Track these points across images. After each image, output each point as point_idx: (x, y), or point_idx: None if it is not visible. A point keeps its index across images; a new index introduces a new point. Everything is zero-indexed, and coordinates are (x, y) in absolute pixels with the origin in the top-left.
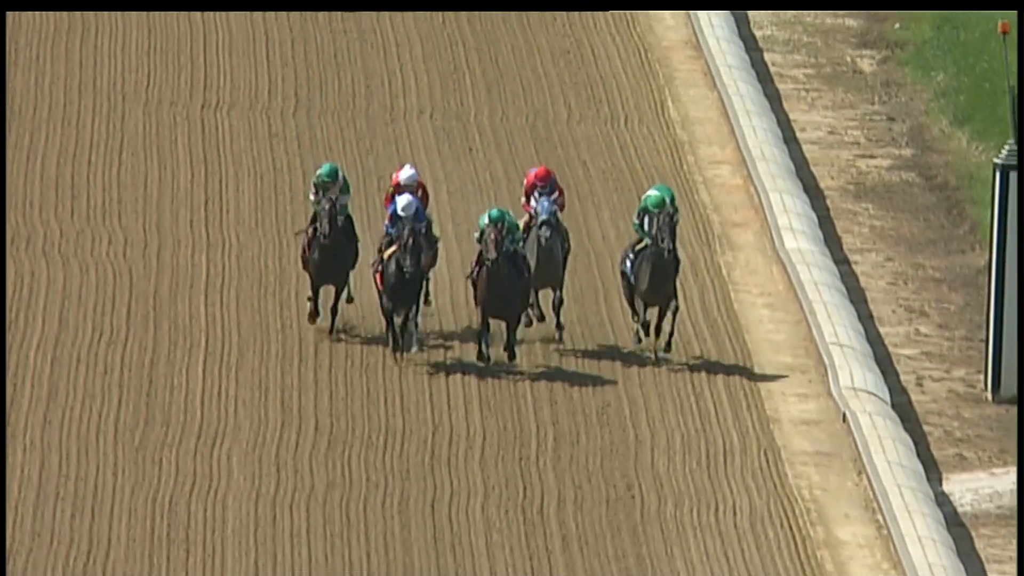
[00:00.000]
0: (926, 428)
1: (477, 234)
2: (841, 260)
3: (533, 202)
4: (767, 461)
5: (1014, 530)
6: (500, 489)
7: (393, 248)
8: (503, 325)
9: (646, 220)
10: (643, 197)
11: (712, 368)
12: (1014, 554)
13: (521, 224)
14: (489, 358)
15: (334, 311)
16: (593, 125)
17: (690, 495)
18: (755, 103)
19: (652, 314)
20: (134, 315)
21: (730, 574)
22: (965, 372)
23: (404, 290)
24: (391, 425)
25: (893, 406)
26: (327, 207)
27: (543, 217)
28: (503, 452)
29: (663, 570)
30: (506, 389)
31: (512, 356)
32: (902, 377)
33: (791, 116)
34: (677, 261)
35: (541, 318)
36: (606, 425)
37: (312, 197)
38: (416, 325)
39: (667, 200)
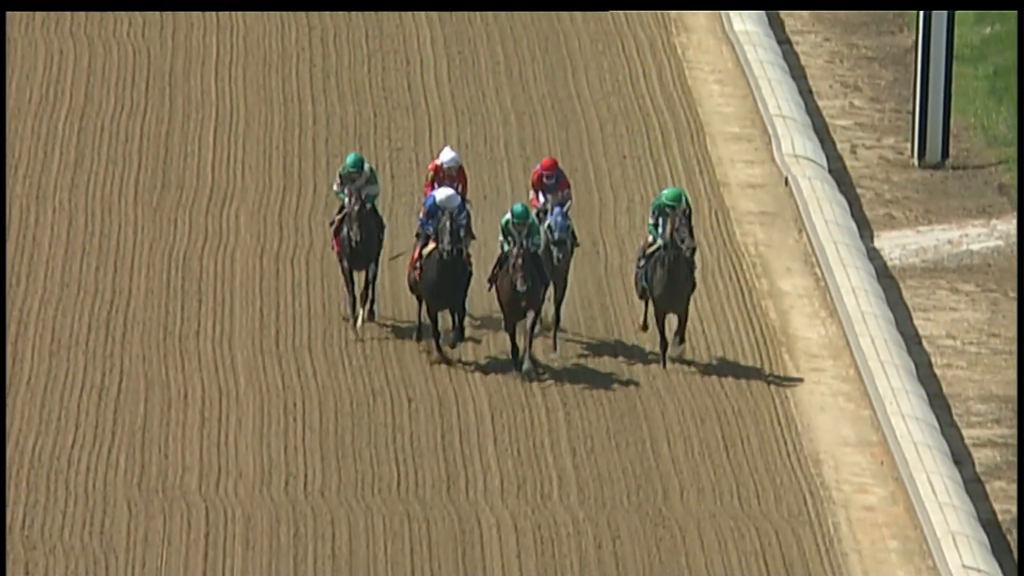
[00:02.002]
0: (859, 191)
1: (500, 234)
2: (783, 40)
3: (542, 198)
4: (717, 221)
5: (937, 282)
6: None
7: (432, 246)
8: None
9: (660, 220)
10: (657, 196)
11: (667, 137)
12: (939, 303)
13: None
14: (522, 363)
15: (364, 297)
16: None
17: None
18: None
19: (669, 321)
20: (152, 90)
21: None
22: (894, 140)
23: (444, 291)
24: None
25: (830, 171)
26: (357, 209)
27: (558, 235)
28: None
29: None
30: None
31: (530, 358)
32: (838, 145)
33: None
34: (692, 266)
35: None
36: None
37: (336, 188)
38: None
39: (683, 196)
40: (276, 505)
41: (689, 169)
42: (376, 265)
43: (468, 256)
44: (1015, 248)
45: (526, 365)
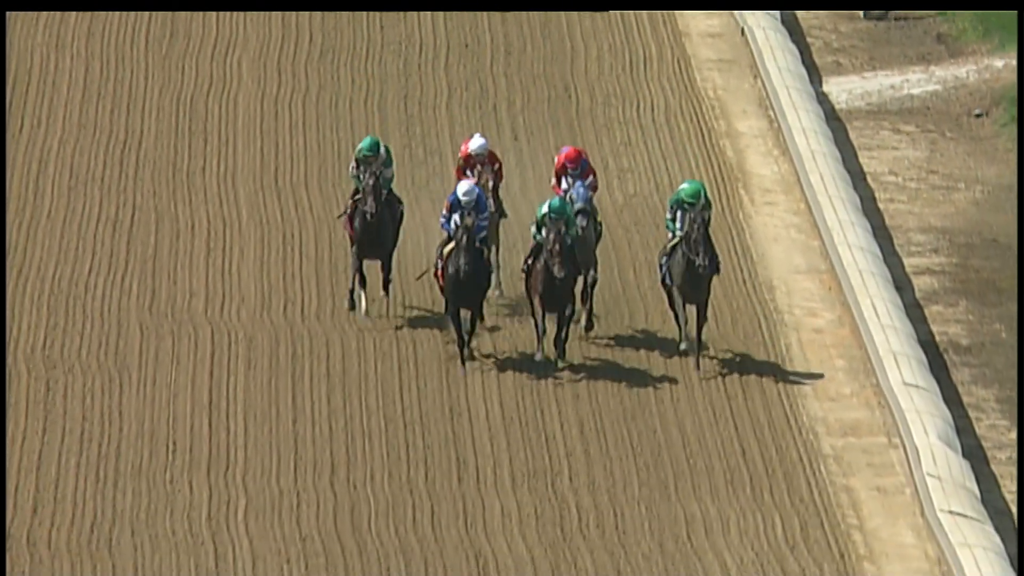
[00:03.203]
0: (809, 40)
1: (533, 227)
2: None
3: (565, 185)
4: (679, 67)
5: (880, 123)
6: None
7: (451, 246)
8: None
9: (679, 215)
10: (676, 190)
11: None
12: (882, 143)
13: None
14: (548, 357)
15: (386, 285)
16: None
17: (616, 95)
18: None
19: (690, 311)
20: None
21: (649, 157)
22: None
23: (466, 291)
24: (372, 44)
25: (783, 22)
26: (371, 183)
27: (579, 205)
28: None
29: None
30: None
31: (563, 347)
32: None
33: None
34: (716, 266)
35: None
36: (548, 38)
37: (352, 171)
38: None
39: (701, 193)
40: (275, 328)
41: (654, 21)
42: (392, 253)
43: (488, 257)
44: (952, 92)
45: (538, 356)
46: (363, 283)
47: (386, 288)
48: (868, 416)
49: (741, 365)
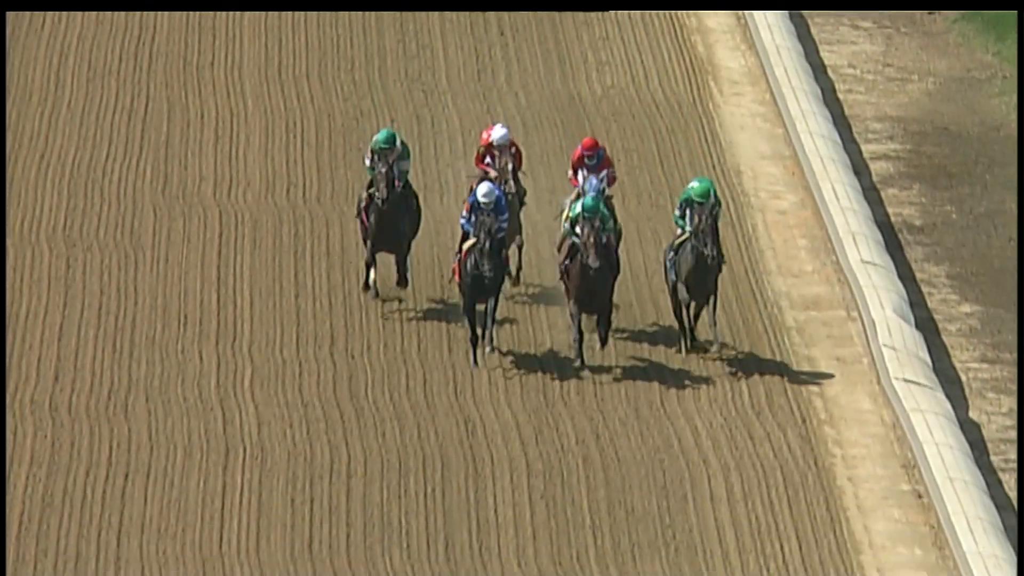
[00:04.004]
0: None
1: (566, 223)
2: None
3: (582, 176)
4: None
5: (840, 19)
6: None
7: (470, 243)
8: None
9: (688, 212)
10: (685, 188)
11: None
12: (842, 38)
13: (569, 200)
14: (583, 358)
15: (401, 279)
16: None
17: None
18: None
19: (693, 308)
20: None
21: (626, 51)
22: None
23: (484, 288)
24: None
25: None
26: (384, 170)
27: (591, 196)
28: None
29: None
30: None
31: (604, 343)
32: None
33: None
34: (722, 259)
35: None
36: None
37: (367, 162)
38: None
39: (711, 191)
40: (279, 209)
41: None
42: (408, 245)
43: (506, 256)
44: None
45: (577, 363)
46: (368, 287)
47: (402, 283)
48: (828, 291)
49: None
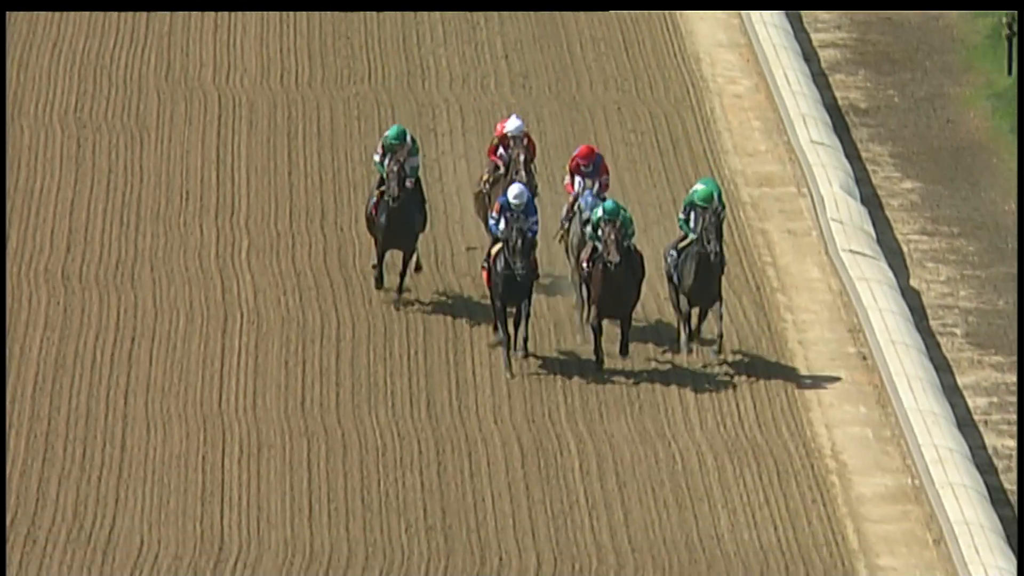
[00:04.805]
0: None
1: (587, 227)
2: None
3: (578, 182)
4: None
5: None
6: None
7: (499, 247)
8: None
9: (692, 216)
10: (689, 191)
11: None
12: None
13: (565, 208)
14: (603, 360)
15: (402, 276)
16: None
17: None
18: None
19: (695, 314)
20: None
21: None
22: None
23: (515, 290)
24: None
25: None
26: (395, 168)
27: (587, 214)
28: None
29: None
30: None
31: (625, 353)
32: None
33: None
34: (723, 261)
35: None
36: None
37: (376, 158)
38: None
39: (715, 195)
40: (273, 94)
41: None
42: (415, 242)
43: (535, 260)
44: None
45: (597, 366)
46: (382, 281)
47: (403, 277)
48: (780, 169)
49: (670, 124)
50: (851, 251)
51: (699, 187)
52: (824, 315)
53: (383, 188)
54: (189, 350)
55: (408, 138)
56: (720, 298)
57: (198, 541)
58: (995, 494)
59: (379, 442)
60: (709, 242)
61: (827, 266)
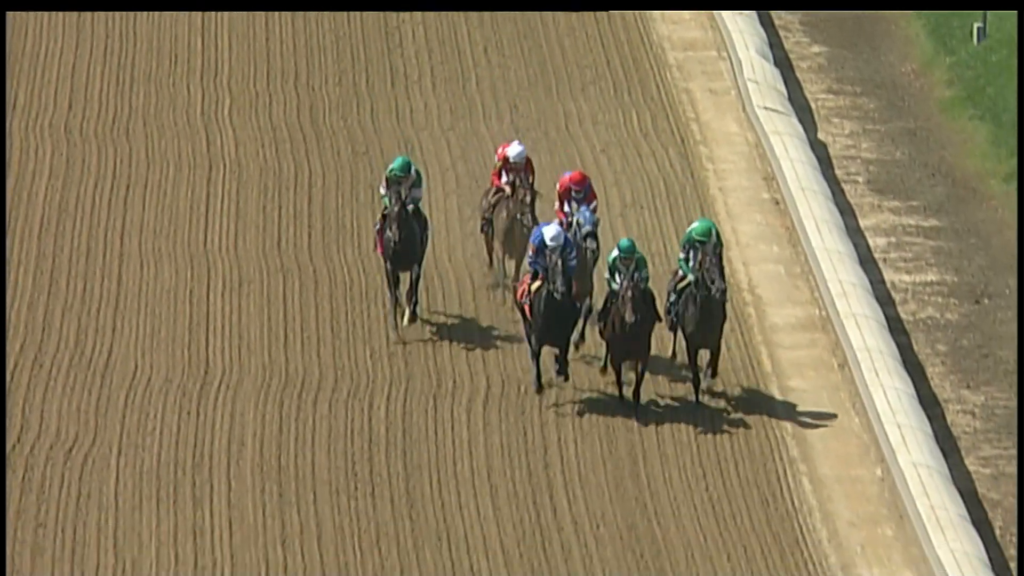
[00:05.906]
0: None
1: (607, 271)
2: None
3: (568, 208)
4: None
5: None
6: None
7: (540, 282)
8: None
9: (691, 253)
10: (687, 230)
11: None
12: None
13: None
14: (625, 396)
15: (408, 297)
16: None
17: None
18: None
19: (702, 356)
20: None
21: None
22: None
23: (558, 325)
24: None
25: None
26: (397, 210)
27: (587, 228)
28: None
29: None
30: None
31: (637, 396)
32: None
33: None
34: (726, 301)
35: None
36: None
37: (382, 191)
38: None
39: (712, 231)
40: None
41: None
42: (419, 267)
43: (575, 293)
44: None
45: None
46: (397, 299)
47: (412, 309)
48: (703, 35)
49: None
50: (765, 108)
51: (696, 224)
52: (741, 165)
53: (386, 212)
54: (177, 196)
55: (412, 170)
56: (719, 343)
57: (186, 366)
58: (892, 323)
59: (347, 277)
60: (713, 282)
61: (744, 121)
